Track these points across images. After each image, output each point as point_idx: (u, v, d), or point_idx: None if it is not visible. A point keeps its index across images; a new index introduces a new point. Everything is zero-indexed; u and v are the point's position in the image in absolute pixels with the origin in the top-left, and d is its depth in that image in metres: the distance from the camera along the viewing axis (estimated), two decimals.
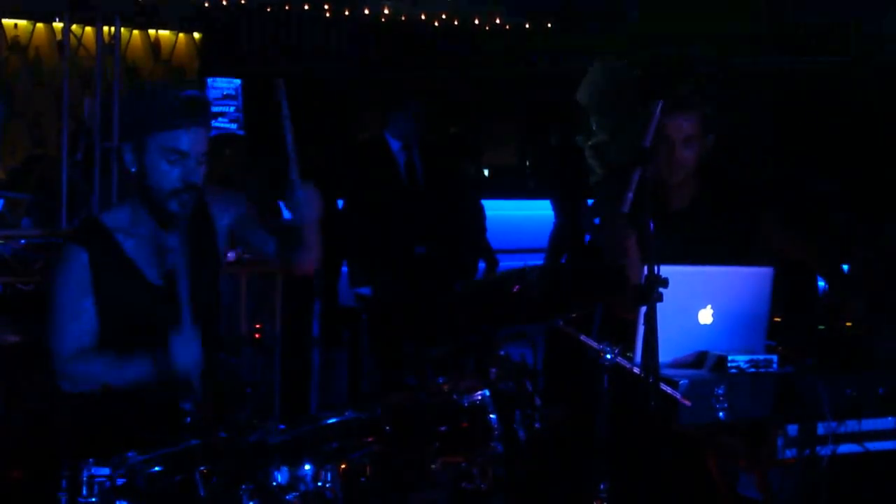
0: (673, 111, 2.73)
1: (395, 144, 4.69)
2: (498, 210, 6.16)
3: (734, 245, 2.85)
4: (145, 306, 2.27)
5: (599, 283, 2.51)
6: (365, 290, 4.64)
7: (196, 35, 12.10)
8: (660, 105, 2.28)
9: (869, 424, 2.56)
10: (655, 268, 2.22)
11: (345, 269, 6.16)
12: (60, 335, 2.24)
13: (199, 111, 2.21)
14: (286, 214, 2.39)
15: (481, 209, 5.52)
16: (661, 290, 2.22)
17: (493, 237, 5.60)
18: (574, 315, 2.43)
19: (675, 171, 2.82)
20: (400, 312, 4.56)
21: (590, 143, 8.28)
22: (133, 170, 2.22)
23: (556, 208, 6.82)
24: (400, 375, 4.31)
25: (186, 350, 2.18)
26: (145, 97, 2.22)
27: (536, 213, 7.86)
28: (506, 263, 6.42)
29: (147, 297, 2.26)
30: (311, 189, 2.28)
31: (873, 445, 2.57)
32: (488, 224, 5.89)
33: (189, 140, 2.18)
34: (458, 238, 5.05)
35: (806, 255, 3.12)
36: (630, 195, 2.33)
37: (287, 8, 11.26)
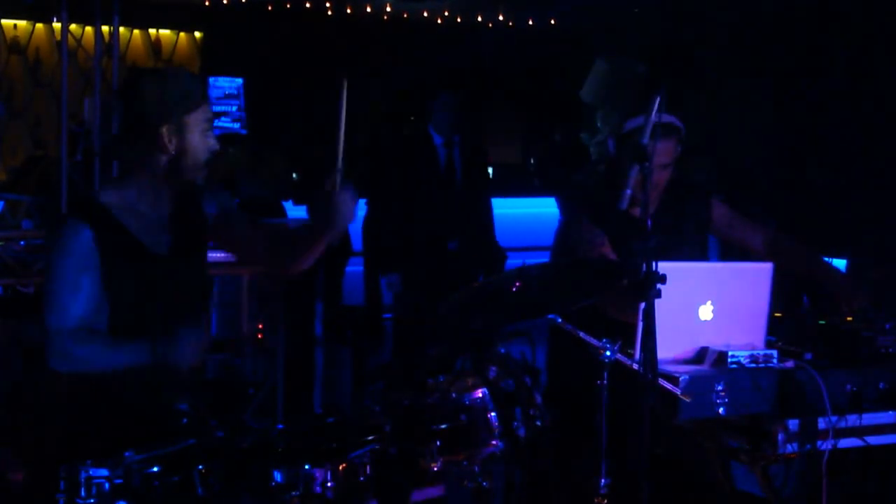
0: (660, 137, 2.76)
1: (437, 139, 4.72)
2: (502, 208, 6.15)
3: (695, 244, 2.93)
4: (153, 278, 2.29)
5: (599, 278, 2.50)
6: (393, 279, 4.63)
7: (197, 34, 12.10)
8: (657, 101, 2.27)
9: (869, 419, 2.56)
10: (654, 264, 2.21)
11: (350, 269, 6.17)
12: (58, 310, 2.23)
13: (203, 88, 2.41)
14: (290, 215, 2.39)
15: (491, 208, 5.54)
16: (660, 286, 2.21)
17: (498, 235, 5.60)
18: (574, 311, 2.43)
19: (649, 195, 2.84)
20: (427, 308, 4.58)
21: (595, 140, 8.26)
22: (173, 152, 2.29)
23: (561, 206, 6.80)
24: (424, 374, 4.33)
25: (191, 341, 2.20)
26: (174, 80, 2.34)
27: (541, 211, 7.85)
28: (509, 262, 6.43)
29: (154, 268, 2.29)
30: (350, 192, 2.29)
31: (874, 440, 2.57)
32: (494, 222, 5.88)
33: (208, 111, 2.36)
34: (483, 235, 5.08)
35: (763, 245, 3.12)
36: (628, 192, 2.33)
37: (288, 6, 11.24)
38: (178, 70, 2.44)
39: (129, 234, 2.29)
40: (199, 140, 2.30)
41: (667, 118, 2.83)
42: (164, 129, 2.27)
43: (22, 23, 10.95)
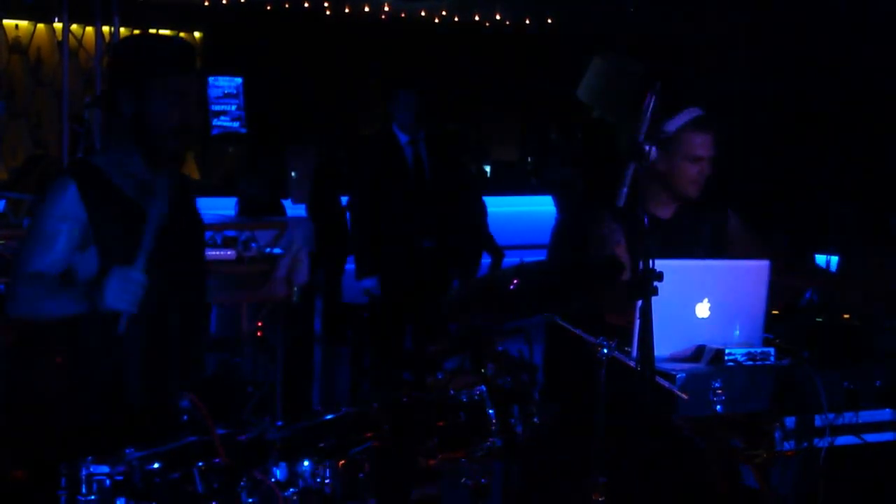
0: (701, 130, 2.82)
1: (402, 138, 4.71)
2: (499, 206, 6.18)
3: (709, 248, 2.94)
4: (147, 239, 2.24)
5: (596, 277, 2.51)
6: (370, 283, 4.65)
7: (197, 34, 12.10)
8: (653, 99, 2.28)
9: (866, 416, 2.57)
10: (651, 262, 2.22)
11: (349, 266, 6.18)
12: (25, 257, 2.24)
13: (192, 56, 2.33)
14: (290, 212, 2.41)
15: (483, 205, 5.55)
16: (657, 284, 2.22)
17: (495, 233, 5.62)
18: (571, 310, 2.44)
19: (698, 188, 2.91)
20: (405, 306, 4.58)
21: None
22: (130, 113, 2.26)
23: (558, 204, 6.82)
24: (400, 372, 4.33)
25: (124, 286, 2.14)
26: (144, 44, 2.33)
27: (538, 209, 7.87)
28: (506, 259, 6.43)
29: (148, 231, 2.23)
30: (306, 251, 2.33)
31: (871, 437, 2.58)
32: (490, 220, 5.90)
33: (186, 82, 2.28)
34: (462, 233, 5.07)
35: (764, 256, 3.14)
36: (625, 190, 2.34)
37: (287, 6, 11.25)
38: (164, 37, 2.40)
39: (121, 191, 2.26)
40: (159, 108, 2.23)
41: (698, 111, 2.86)
42: (121, 92, 2.25)
43: (23, 23, 10.96)
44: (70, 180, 2.24)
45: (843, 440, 2.55)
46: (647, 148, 2.72)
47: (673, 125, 2.90)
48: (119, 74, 2.27)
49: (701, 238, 2.98)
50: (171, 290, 2.30)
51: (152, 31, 11.84)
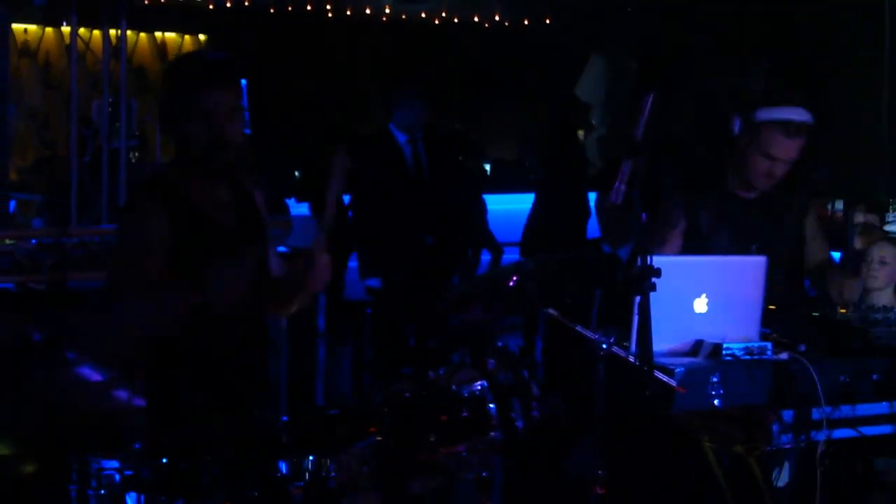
0: (786, 134, 2.89)
1: (400, 137, 4.73)
2: (499, 204, 6.20)
3: (788, 234, 3.02)
4: (221, 242, 2.28)
5: (595, 271, 2.54)
6: (374, 282, 4.68)
7: (202, 37, 12.16)
8: (650, 98, 2.31)
9: (863, 409, 2.58)
10: (648, 259, 2.25)
11: (353, 263, 6.22)
12: (137, 269, 2.20)
13: (220, 71, 2.31)
14: (293, 212, 2.44)
15: (483, 203, 5.58)
16: (655, 279, 2.25)
17: (494, 230, 5.64)
18: (570, 304, 2.47)
19: (766, 183, 2.99)
20: (409, 303, 4.61)
21: (590, 137, 8.28)
22: (178, 132, 2.30)
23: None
24: (401, 367, 4.37)
25: (230, 272, 2.19)
26: (176, 63, 2.44)
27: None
28: (505, 256, 6.45)
29: (225, 243, 2.28)
30: (327, 258, 2.34)
31: (868, 430, 2.60)
32: (490, 217, 5.92)
33: (215, 98, 2.27)
34: (462, 229, 5.10)
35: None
36: (623, 187, 2.37)
37: (289, 9, 11.30)
38: (198, 54, 2.36)
39: (199, 210, 2.29)
40: (192, 125, 2.25)
41: (798, 115, 2.89)
42: (163, 113, 2.29)
43: (32, 27, 11.05)
44: (161, 208, 2.24)
45: (840, 433, 2.56)
46: (734, 119, 2.81)
47: (765, 115, 2.92)
48: (163, 94, 2.31)
49: (784, 227, 3.03)
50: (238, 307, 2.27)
51: (158, 34, 11.93)
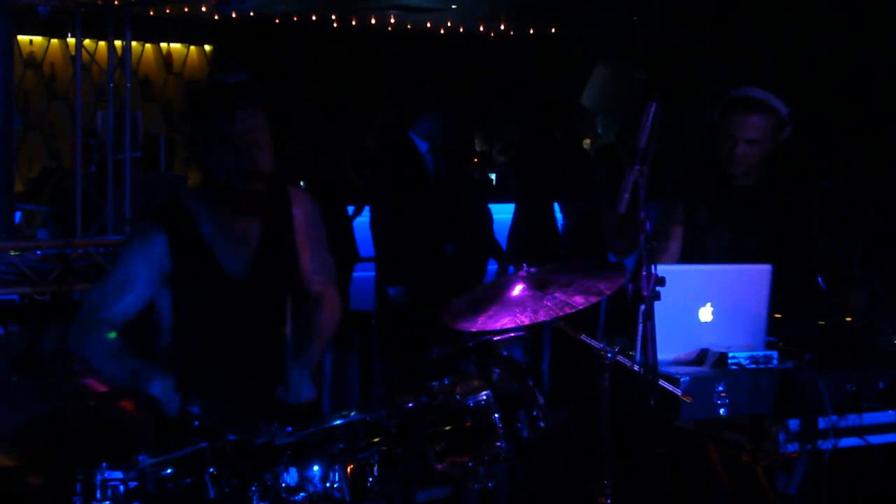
0: (741, 110, 2.87)
1: (422, 145, 4.76)
2: (505, 214, 6.19)
3: (789, 226, 3.01)
4: (223, 300, 2.24)
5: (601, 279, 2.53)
6: (396, 291, 4.67)
7: (207, 47, 12.20)
8: (653, 106, 2.31)
9: (870, 418, 2.57)
10: (653, 267, 2.25)
11: (357, 273, 6.22)
12: (101, 294, 2.21)
13: (247, 94, 2.22)
14: None
15: (489, 212, 5.58)
16: (659, 289, 2.25)
17: (500, 240, 5.65)
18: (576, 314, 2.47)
19: (735, 166, 2.99)
20: (431, 312, 4.60)
21: (596, 145, 8.29)
22: (200, 160, 2.22)
23: (563, 211, 6.85)
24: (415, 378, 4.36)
25: (166, 386, 2.16)
26: (197, 88, 2.38)
27: None
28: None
29: (226, 291, 2.23)
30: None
31: (874, 439, 2.59)
32: (495, 227, 5.90)
33: (241, 123, 2.18)
34: (477, 238, 5.12)
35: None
36: (626, 195, 2.37)
37: (295, 19, 11.34)
38: (218, 78, 2.23)
39: (205, 246, 2.20)
40: (218, 153, 2.16)
41: (755, 92, 2.92)
42: (190, 141, 2.22)
43: (38, 38, 11.11)
44: (161, 230, 2.19)
45: (846, 442, 2.55)
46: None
47: (727, 97, 2.96)
48: (187, 124, 2.23)
49: (787, 218, 3.01)
50: (249, 320, 2.26)
51: (164, 45, 11.98)
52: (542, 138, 6.20)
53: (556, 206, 6.08)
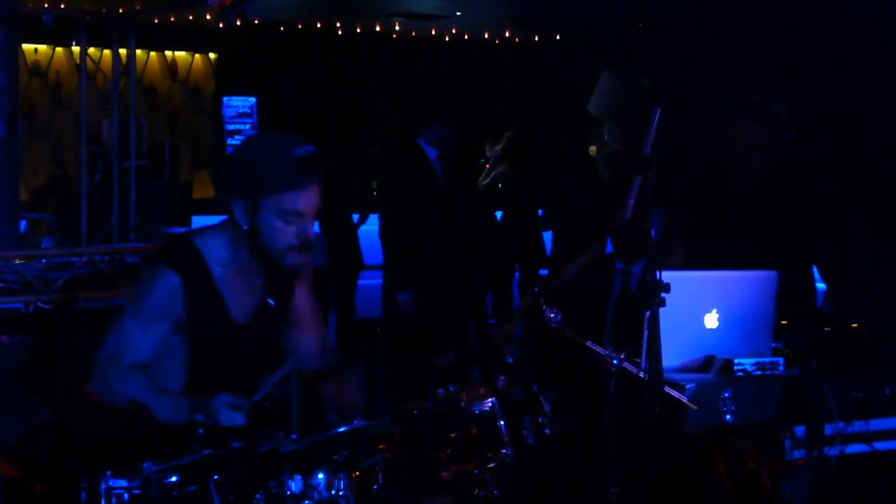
0: (736, 119, 2.85)
1: (431, 153, 4.77)
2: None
3: (793, 234, 3.00)
4: (229, 344, 2.28)
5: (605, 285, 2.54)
6: (405, 297, 4.69)
7: (212, 55, 12.24)
8: (658, 112, 2.31)
9: (876, 424, 2.56)
10: (658, 274, 2.25)
11: (363, 281, 6.22)
12: (120, 342, 2.21)
13: (314, 170, 2.15)
14: None
15: (496, 219, 5.60)
16: (665, 295, 2.25)
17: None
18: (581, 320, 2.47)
19: (738, 174, 2.99)
20: (441, 318, 4.63)
21: (602, 152, 8.31)
22: (245, 226, 2.18)
23: (547, 217, 6.87)
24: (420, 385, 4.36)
25: (231, 416, 2.20)
26: (259, 157, 2.14)
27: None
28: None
29: (231, 335, 2.27)
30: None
31: (881, 445, 2.58)
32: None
33: (305, 200, 2.15)
34: (486, 245, 5.14)
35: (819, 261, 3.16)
36: (632, 202, 2.37)
37: (299, 27, 11.38)
38: (281, 144, 2.11)
39: (216, 290, 2.22)
40: (273, 226, 2.12)
41: (753, 99, 2.91)
42: (236, 203, 2.17)
43: (42, 47, 11.16)
44: (174, 273, 2.19)
45: (853, 448, 2.54)
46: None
47: (727, 105, 2.96)
48: (233, 184, 2.14)
49: (781, 220, 3.00)
50: (251, 361, 2.29)
51: (168, 53, 12.02)
52: (530, 144, 6.22)
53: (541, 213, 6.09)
